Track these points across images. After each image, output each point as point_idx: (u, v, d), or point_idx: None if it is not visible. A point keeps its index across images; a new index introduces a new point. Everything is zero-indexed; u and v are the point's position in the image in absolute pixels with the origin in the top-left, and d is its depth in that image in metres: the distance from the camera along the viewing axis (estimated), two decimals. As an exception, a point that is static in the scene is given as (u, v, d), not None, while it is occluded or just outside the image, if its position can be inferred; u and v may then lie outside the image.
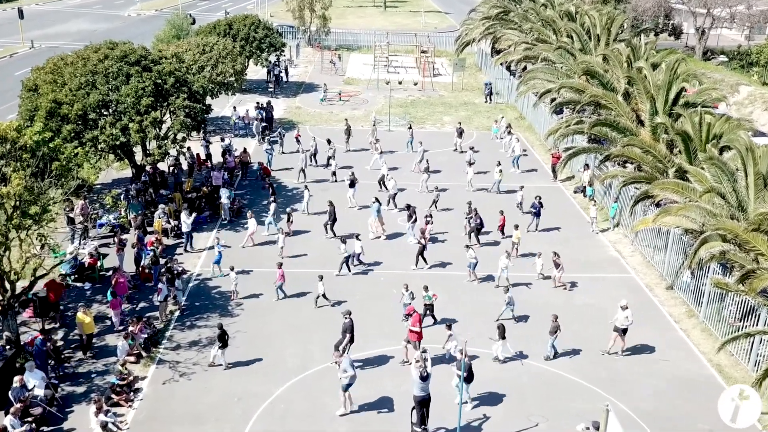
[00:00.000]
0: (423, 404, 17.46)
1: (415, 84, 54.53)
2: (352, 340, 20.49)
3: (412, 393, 17.69)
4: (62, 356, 20.11)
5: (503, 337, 20.78)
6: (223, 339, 20.16)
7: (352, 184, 31.24)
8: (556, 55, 40.11)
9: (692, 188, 23.92)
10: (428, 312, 22.45)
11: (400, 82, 54.34)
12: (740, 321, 21.60)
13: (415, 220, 28.19)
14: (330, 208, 28.31)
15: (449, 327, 20.61)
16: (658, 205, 26.65)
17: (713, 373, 20.95)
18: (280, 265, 24.01)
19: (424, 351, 18.53)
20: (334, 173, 34.03)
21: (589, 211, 30.46)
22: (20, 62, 57.13)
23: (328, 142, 36.41)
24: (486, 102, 49.97)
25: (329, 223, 28.33)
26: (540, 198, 30.03)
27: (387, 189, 31.86)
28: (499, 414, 18.85)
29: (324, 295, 23.42)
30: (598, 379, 20.43)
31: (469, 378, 18.44)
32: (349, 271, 25.65)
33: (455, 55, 58.80)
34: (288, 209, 29.47)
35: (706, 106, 30.86)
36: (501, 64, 52.17)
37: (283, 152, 37.90)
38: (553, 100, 37.68)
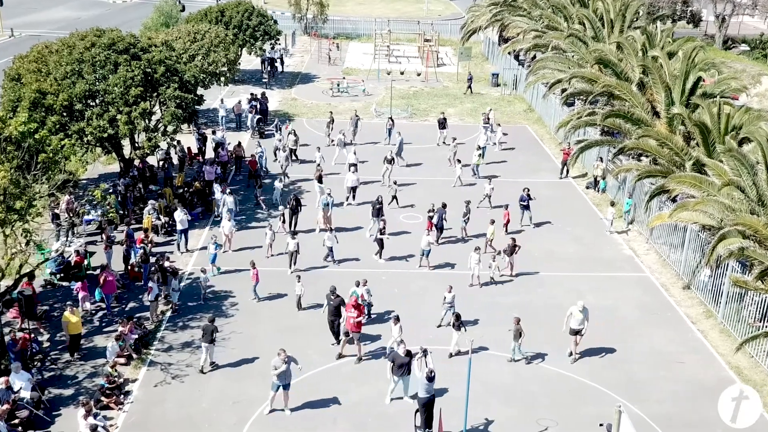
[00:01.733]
0: (427, 406, 17.79)
1: (418, 74, 54.83)
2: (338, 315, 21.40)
3: (417, 394, 18.02)
4: (32, 362, 20.31)
5: (459, 329, 21.18)
6: (211, 334, 20.36)
7: (320, 180, 31.51)
8: (567, 43, 40.39)
9: (710, 182, 24.23)
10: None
11: (402, 73, 54.65)
12: (760, 321, 21.89)
13: (381, 214, 28.25)
14: (293, 202, 28.76)
15: (397, 320, 20.92)
16: (674, 200, 26.95)
17: (732, 376, 21.25)
18: (254, 264, 24.18)
19: (425, 350, 18.87)
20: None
21: (606, 212, 30.63)
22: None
23: (293, 133, 36.72)
24: (465, 93, 50.21)
25: (290, 216, 28.74)
26: (528, 190, 30.29)
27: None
28: (507, 418, 19.17)
29: (300, 299, 23.64)
30: (611, 383, 20.74)
31: (408, 371, 19.02)
32: (293, 265, 25.95)
33: (460, 44, 59.08)
34: (281, 207, 29.77)
35: (725, 96, 31.16)
36: (509, 53, 52.46)
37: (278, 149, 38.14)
38: (563, 90, 37.99)
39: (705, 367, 21.73)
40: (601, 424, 17.21)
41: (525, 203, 29.91)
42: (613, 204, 30.41)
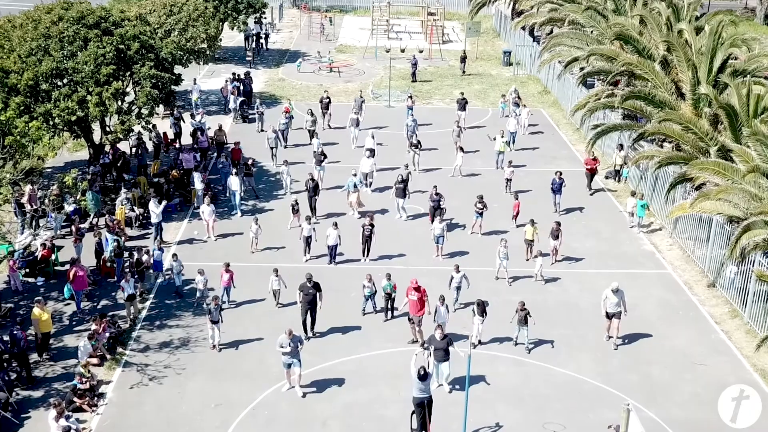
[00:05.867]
0: (422, 407, 18.96)
1: (421, 52, 55.83)
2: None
3: (412, 395, 19.19)
4: None
5: (482, 315, 22.86)
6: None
7: (319, 163, 33.11)
8: (585, 16, 41.53)
9: (735, 169, 25.36)
10: (388, 303, 24.39)
11: (402, 50, 55.67)
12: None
13: (405, 194, 30.51)
14: (311, 183, 30.48)
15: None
16: (699, 189, 28.04)
17: (756, 379, 22.37)
18: (228, 265, 24.92)
19: (424, 346, 20.07)
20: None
21: (627, 204, 31.74)
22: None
23: (311, 113, 38.36)
24: (413, 81, 50.04)
25: (309, 200, 30.55)
26: (561, 173, 31.69)
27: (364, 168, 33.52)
28: (512, 422, 20.33)
29: (274, 293, 24.89)
30: (627, 386, 21.87)
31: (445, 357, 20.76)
32: (308, 252, 27.79)
33: (468, 18, 60.19)
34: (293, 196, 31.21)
35: (757, 76, 32.22)
36: (522, 28, 53.56)
37: (263, 130, 39.33)
38: (582, 69, 39.12)
39: (728, 370, 22.83)
40: (609, 426, 18.36)
41: (556, 187, 31.46)
42: (633, 194, 31.51)
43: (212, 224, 29.01)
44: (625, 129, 33.38)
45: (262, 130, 39.24)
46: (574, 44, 40.49)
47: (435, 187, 30.31)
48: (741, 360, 23.30)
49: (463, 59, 52.13)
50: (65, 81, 29.94)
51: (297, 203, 30.08)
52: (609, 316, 23.38)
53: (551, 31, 49.19)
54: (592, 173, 34.13)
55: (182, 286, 25.47)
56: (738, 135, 27.44)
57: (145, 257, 25.76)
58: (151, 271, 26.19)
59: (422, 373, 18.78)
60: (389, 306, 24.40)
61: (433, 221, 28.81)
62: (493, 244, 27.38)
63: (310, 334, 23.35)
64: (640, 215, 30.72)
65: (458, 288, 24.80)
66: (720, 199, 24.45)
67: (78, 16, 30.58)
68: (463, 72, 51.86)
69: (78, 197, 26.86)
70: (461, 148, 35.62)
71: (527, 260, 28.09)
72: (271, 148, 35.80)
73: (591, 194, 34.06)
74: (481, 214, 29.80)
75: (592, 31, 41.14)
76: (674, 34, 33.68)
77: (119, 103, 30.79)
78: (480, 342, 23.16)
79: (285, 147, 37.24)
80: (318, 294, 23.13)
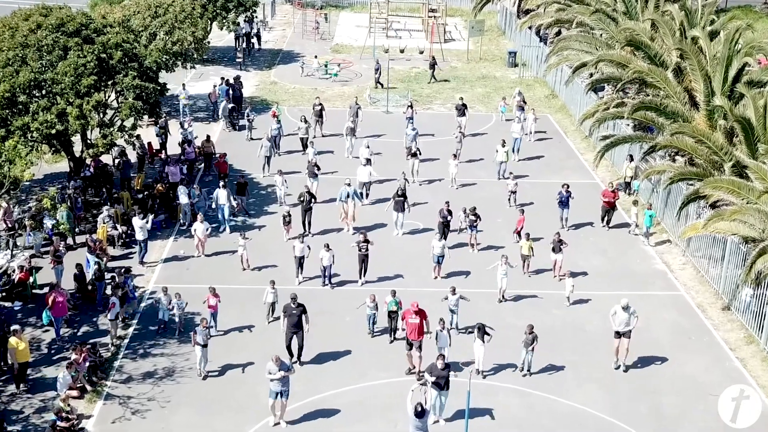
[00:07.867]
0: (420, 446, 19.12)
1: (421, 52, 55.98)
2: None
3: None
4: None
5: (483, 340, 23.06)
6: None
7: (314, 175, 33.39)
8: (594, 19, 41.66)
9: (751, 187, 25.51)
10: (392, 320, 24.62)
11: (402, 50, 55.83)
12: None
13: (404, 207, 30.81)
14: (306, 196, 30.79)
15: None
16: (714, 206, 28.19)
17: (773, 410, 22.52)
18: (214, 290, 24.98)
19: (422, 379, 20.21)
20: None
21: (630, 213, 32.08)
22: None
23: (304, 120, 38.69)
24: (376, 87, 48.92)
25: (303, 215, 30.83)
26: (568, 186, 31.83)
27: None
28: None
29: (273, 306, 25.27)
30: (636, 417, 22.00)
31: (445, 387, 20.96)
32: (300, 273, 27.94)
33: (472, 16, 60.33)
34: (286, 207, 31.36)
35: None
36: (529, 27, 53.70)
37: (252, 138, 39.54)
38: (591, 75, 39.25)
39: (743, 401, 22.99)
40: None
41: (562, 200, 31.66)
42: (636, 203, 31.90)
43: (204, 243, 29.18)
44: (636, 141, 33.51)
45: (251, 139, 39.45)
46: (582, 48, 40.65)
47: (447, 203, 30.40)
48: (757, 390, 23.37)
49: (433, 65, 50.90)
50: (44, 92, 30.06)
51: (289, 214, 30.33)
52: (618, 335, 23.53)
53: (559, 32, 49.35)
54: (610, 207, 32.13)
55: (170, 322, 25.18)
56: (754, 150, 27.58)
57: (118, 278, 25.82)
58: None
59: (419, 409, 18.92)
60: (393, 326, 24.57)
61: (445, 238, 29.00)
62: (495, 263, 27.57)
63: (295, 359, 23.47)
64: (647, 224, 31.00)
65: (453, 311, 24.98)
66: (735, 220, 24.59)
67: (57, 23, 30.69)
68: (434, 79, 50.77)
69: (58, 220, 26.94)
70: (454, 156, 35.82)
71: (524, 274, 28.69)
72: (266, 157, 35.93)
73: (608, 229, 32.33)
74: (473, 227, 30.08)
75: (601, 35, 41.27)
76: (687, 41, 33.80)
77: (101, 115, 30.90)
78: (478, 371, 23.25)
79: (279, 155, 37.53)
80: (304, 316, 23.25)
